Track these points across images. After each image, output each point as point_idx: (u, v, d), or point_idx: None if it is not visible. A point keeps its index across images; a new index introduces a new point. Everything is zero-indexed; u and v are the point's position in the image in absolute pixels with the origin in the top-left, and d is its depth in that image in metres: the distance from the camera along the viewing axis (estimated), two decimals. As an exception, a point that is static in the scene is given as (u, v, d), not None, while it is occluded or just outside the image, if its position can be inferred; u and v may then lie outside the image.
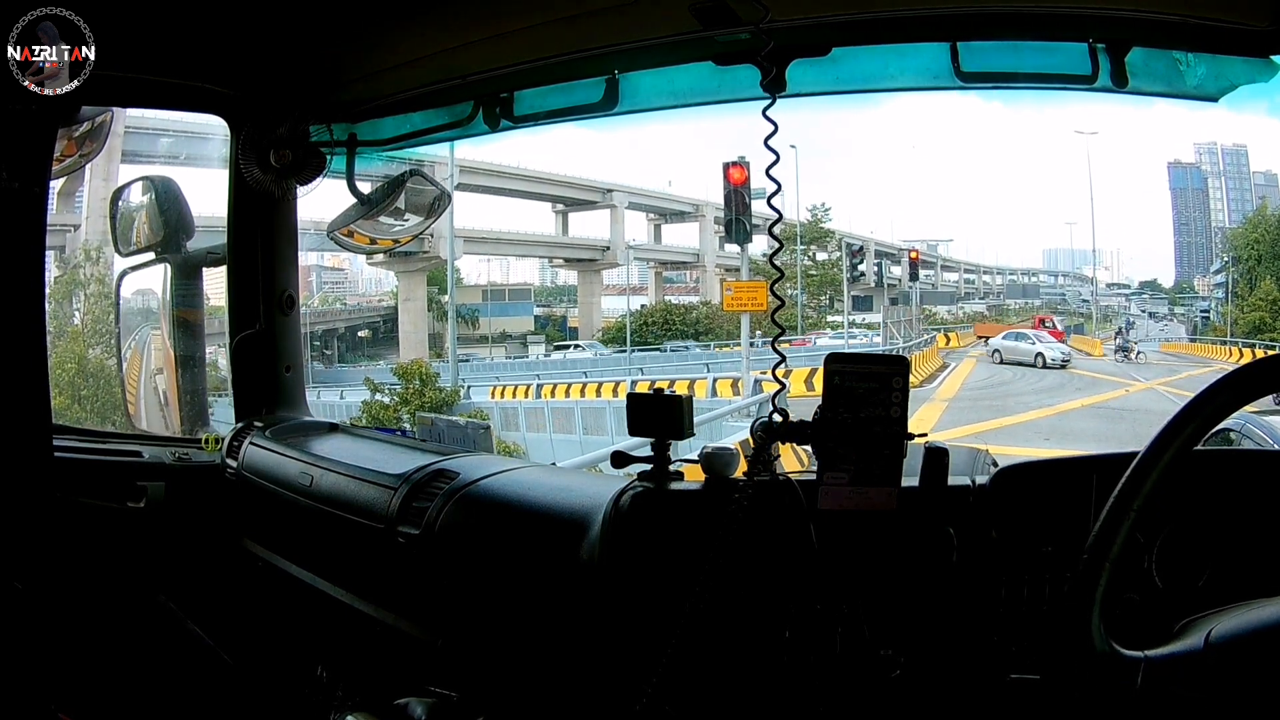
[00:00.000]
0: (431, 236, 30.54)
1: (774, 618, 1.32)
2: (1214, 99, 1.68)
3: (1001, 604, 1.31)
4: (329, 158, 2.09)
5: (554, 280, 51.26)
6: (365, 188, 2.10)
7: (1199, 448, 0.98)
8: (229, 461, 2.25)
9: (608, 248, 43.27)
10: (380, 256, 34.10)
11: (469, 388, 21.68)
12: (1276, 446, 4.85)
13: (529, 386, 21.90)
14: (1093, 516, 0.95)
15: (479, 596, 1.68)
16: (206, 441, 2.37)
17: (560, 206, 44.36)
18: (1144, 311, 59.79)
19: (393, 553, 1.76)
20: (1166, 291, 63.70)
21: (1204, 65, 1.64)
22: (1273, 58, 1.57)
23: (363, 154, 2.11)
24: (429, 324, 38.86)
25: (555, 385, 21.68)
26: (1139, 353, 34.11)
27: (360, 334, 44.23)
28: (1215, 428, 0.99)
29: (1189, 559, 1.30)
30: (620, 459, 1.46)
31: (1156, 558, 1.31)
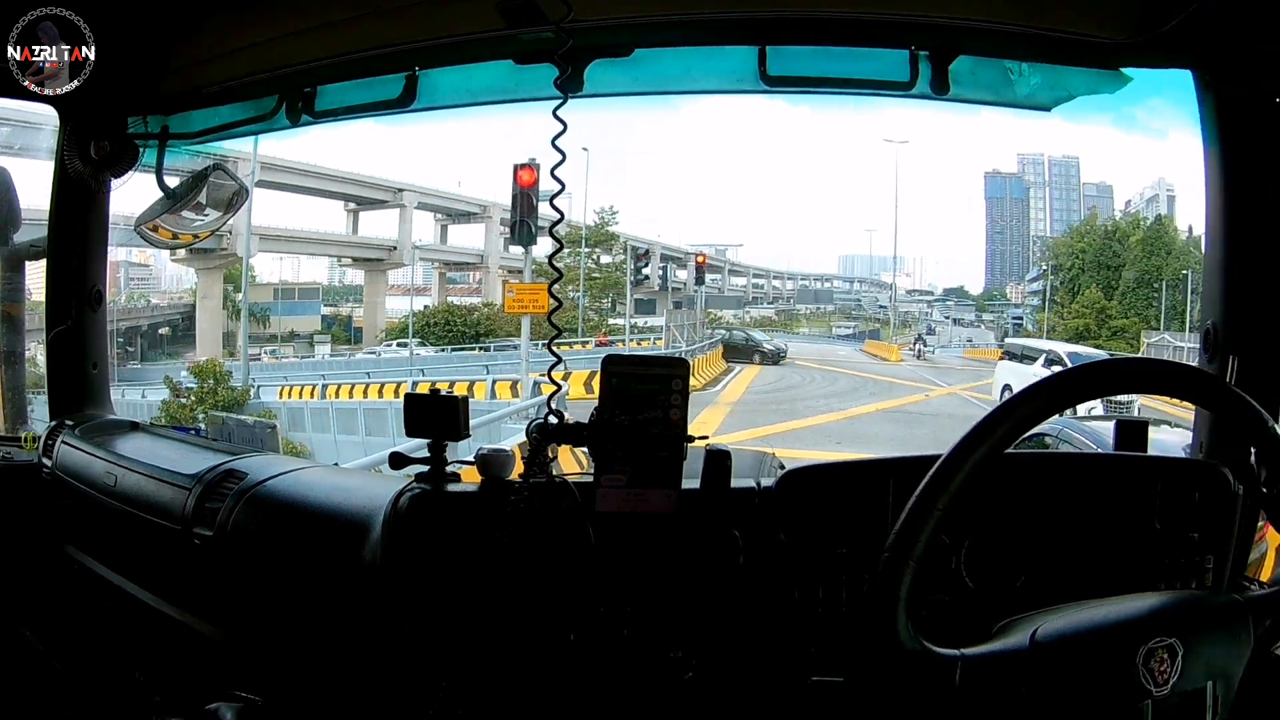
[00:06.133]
0: (230, 233, 30.12)
1: (558, 620, 1.31)
2: (1047, 108, 1.72)
3: (796, 606, 1.31)
4: (141, 150, 2.04)
5: (342, 280, 49.84)
6: (172, 182, 2.04)
7: (1013, 450, 0.98)
8: (44, 461, 2.18)
9: (394, 247, 42.45)
10: (182, 253, 33.50)
11: (259, 387, 21.28)
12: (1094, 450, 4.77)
13: (314, 387, 21.50)
14: (890, 519, 0.94)
15: (273, 599, 1.65)
16: (26, 440, 2.30)
17: (352, 205, 43.35)
18: (947, 318, 60.72)
19: (190, 554, 1.73)
20: (974, 298, 64.92)
21: (1039, 75, 1.68)
22: (1122, 70, 1.61)
23: (172, 148, 2.04)
24: (224, 322, 37.90)
25: (339, 386, 21.26)
26: (931, 351, 37.72)
27: (161, 331, 42.56)
28: (1028, 432, 1.00)
29: (1002, 560, 1.32)
30: (398, 460, 1.43)
31: (965, 559, 1.32)
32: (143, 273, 46.82)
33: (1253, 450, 1.06)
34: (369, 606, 1.44)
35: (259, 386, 21.13)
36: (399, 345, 36.63)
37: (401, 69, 1.76)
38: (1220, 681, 0.92)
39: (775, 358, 30.60)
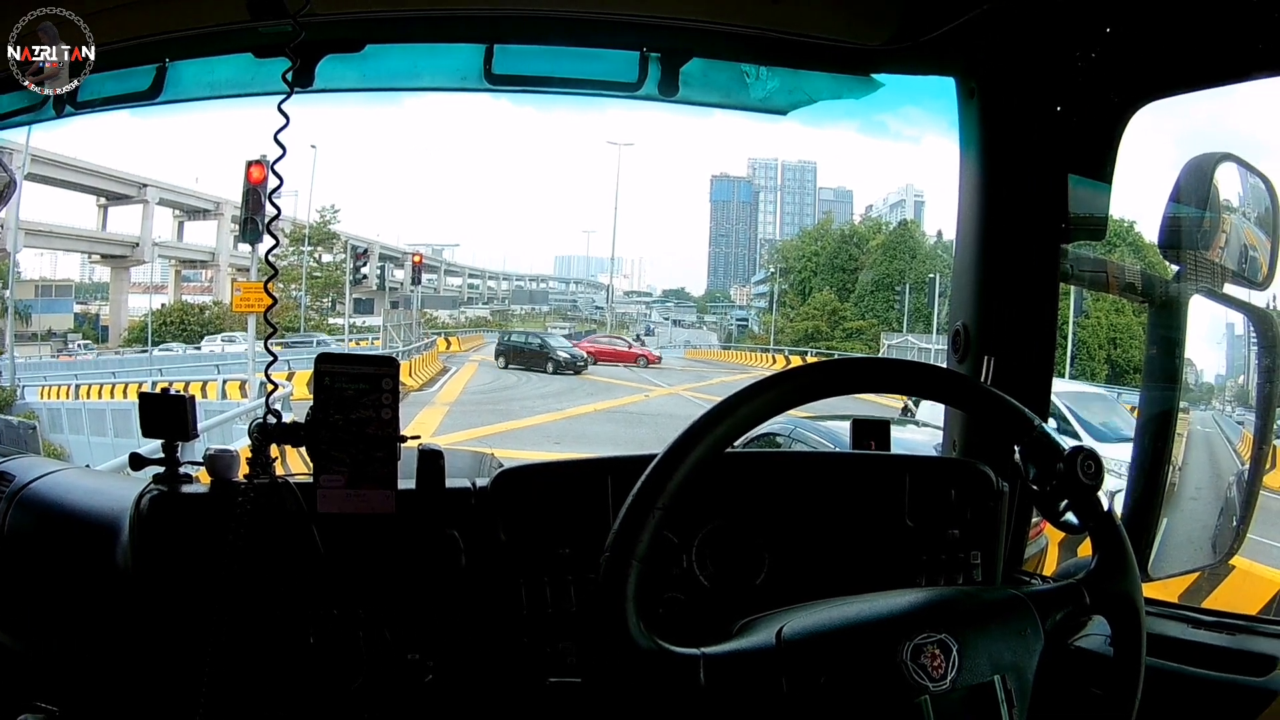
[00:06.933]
0: (2, 228, 29.56)
1: (295, 623, 1.31)
2: (783, 112, 1.73)
3: (525, 606, 1.33)
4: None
5: (91, 277, 48.62)
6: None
7: (744, 449, 0.97)
8: None
9: (137, 244, 41.91)
10: (-33, 248, 32.34)
11: (23, 388, 21.06)
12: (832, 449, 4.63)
13: (68, 387, 21.25)
14: (611, 518, 0.92)
15: (49, 605, 1.62)
16: None
17: (103, 201, 42.37)
18: (667, 319, 61.71)
19: None
20: (696, 300, 66.32)
21: (777, 79, 1.68)
22: (873, 76, 1.63)
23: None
24: (-7, 320, 37.14)
25: (90, 386, 20.92)
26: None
27: (-57, 329, 41.43)
28: (753, 429, 0.98)
29: (738, 559, 1.35)
30: (137, 461, 1.42)
31: (696, 557, 1.34)
32: (-61, 269, 45.14)
33: (1016, 449, 1.02)
34: (127, 611, 1.42)
35: (24, 386, 21.00)
36: (225, 340, 35.60)
37: (152, 60, 1.72)
38: (1010, 675, 0.91)
39: (574, 366, 28.61)
